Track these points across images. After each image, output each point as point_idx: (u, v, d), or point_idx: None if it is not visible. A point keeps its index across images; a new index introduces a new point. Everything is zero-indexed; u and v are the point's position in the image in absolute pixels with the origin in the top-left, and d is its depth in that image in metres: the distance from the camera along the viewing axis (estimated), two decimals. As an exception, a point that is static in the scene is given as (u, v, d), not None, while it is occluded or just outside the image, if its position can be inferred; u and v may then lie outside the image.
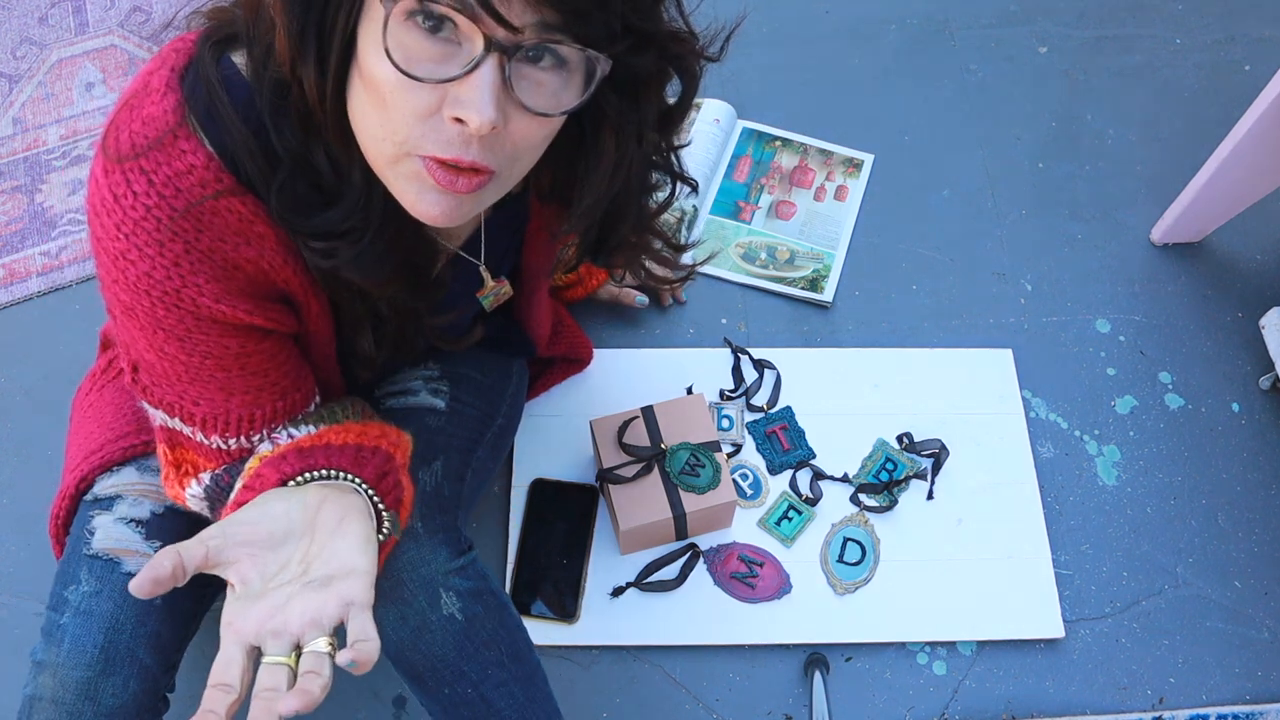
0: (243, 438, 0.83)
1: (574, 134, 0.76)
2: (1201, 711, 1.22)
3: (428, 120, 0.64)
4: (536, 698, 0.97)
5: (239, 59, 0.72)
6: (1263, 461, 1.38)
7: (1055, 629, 1.25)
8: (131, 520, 0.94)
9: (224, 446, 0.83)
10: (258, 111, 0.70)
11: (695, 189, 0.90)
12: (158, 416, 0.84)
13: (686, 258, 0.98)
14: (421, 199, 0.69)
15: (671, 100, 0.80)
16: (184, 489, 0.87)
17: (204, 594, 0.98)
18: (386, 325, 0.88)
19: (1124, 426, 1.41)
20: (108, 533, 0.93)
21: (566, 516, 1.28)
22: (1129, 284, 1.52)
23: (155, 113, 0.69)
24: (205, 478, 0.86)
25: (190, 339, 0.76)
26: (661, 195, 0.90)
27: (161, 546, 0.93)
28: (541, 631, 1.21)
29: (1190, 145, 1.63)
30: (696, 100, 1.63)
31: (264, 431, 0.83)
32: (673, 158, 0.86)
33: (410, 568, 0.90)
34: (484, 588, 0.95)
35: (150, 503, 0.95)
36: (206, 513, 0.89)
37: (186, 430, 0.83)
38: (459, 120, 0.63)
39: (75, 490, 0.97)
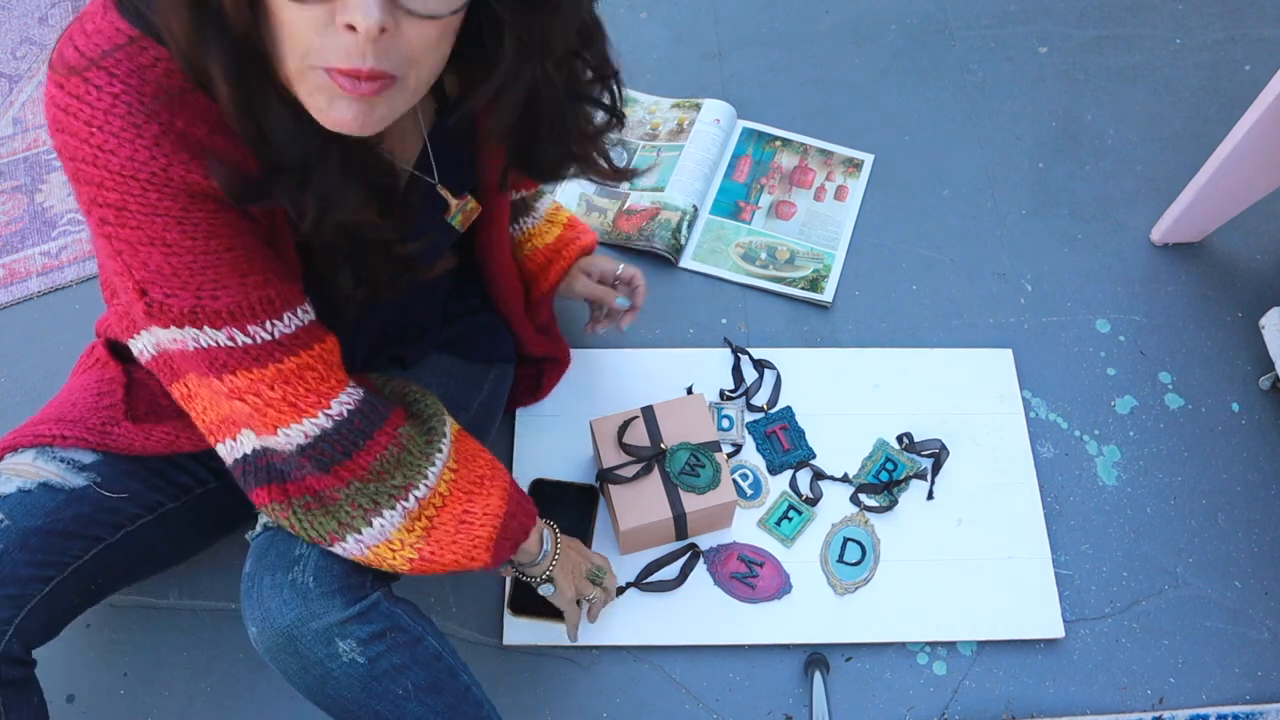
0: (276, 321, 0.82)
1: (478, 38, 0.77)
2: (1201, 711, 1.22)
3: (324, 31, 0.66)
4: None
5: None
6: (1263, 461, 1.38)
7: (1055, 629, 1.25)
8: None
9: (271, 336, 0.82)
10: None
11: (621, 120, 0.90)
12: (189, 339, 0.81)
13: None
14: (332, 106, 0.70)
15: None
16: (311, 414, 0.86)
17: (47, 561, 0.95)
18: (359, 258, 0.88)
19: (1124, 426, 1.41)
20: None
21: (566, 516, 1.28)
22: (1129, 284, 1.52)
23: (101, 25, 0.70)
24: (332, 411, 0.86)
25: (189, 219, 0.75)
26: (599, 117, 0.89)
27: (3, 519, 0.92)
28: (542, 631, 1.21)
29: (1190, 145, 1.63)
30: (695, 100, 1.64)
31: (285, 317, 0.83)
32: (607, 81, 0.87)
33: (300, 623, 0.90)
34: (390, 626, 0.94)
35: (20, 480, 0.95)
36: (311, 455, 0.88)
37: (221, 338, 0.81)
38: (351, 27, 0.65)
39: None
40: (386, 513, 0.91)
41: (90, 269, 1.48)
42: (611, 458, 1.22)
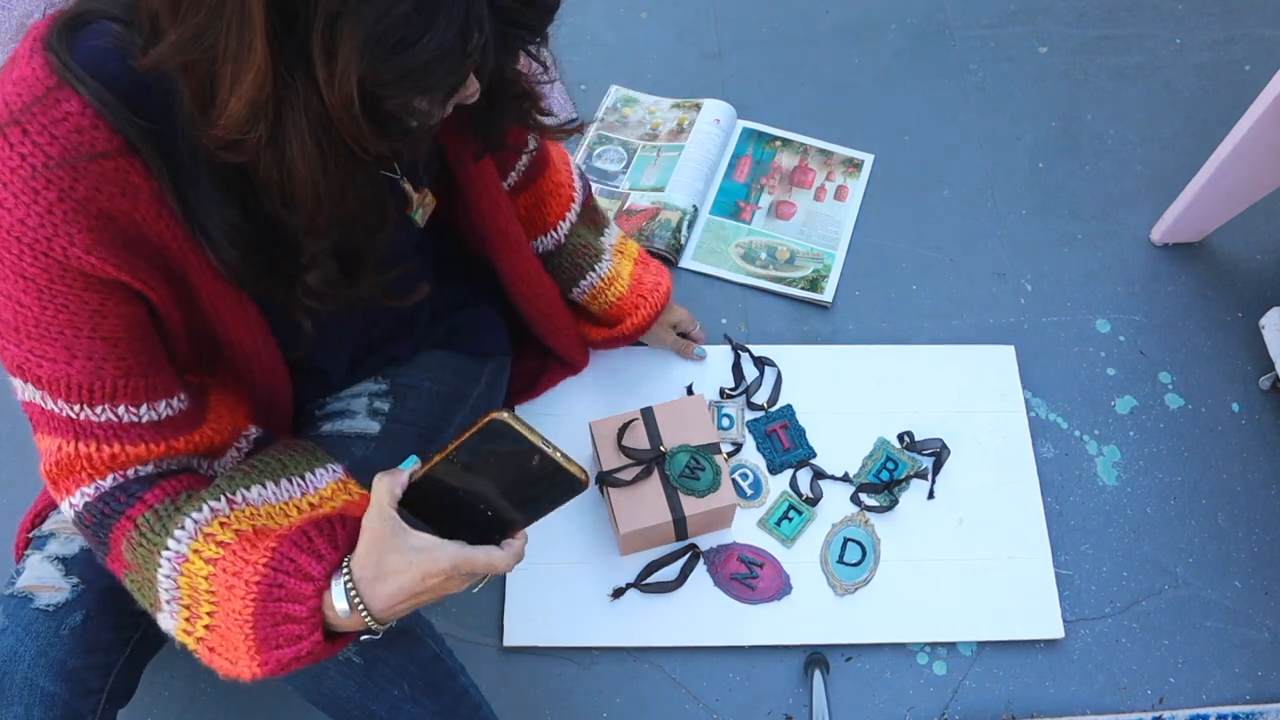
0: (87, 408, 0.80)
1: None
2: (1201, 711, 1.22)
3: None
4: None
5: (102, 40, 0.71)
6: (1263, 461, 1.38)
7: (1055, 629, 1.25)
8: (57, 558, 0.93)
9: (74, 415, 0.80)
10: (135, 77, 0.70)
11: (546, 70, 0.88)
12: (16, 386, 0.81)
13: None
14: None
15: None
16: (70, 493, 0.83)
17: (124, 623, 0.94)
18: (328, 291, 0.83)
19: (1124, 426, 1.41)
20: (33, 571, 0.92)
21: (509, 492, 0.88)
22: (1129, 284, 1.52)
23: (25, 72, 0.69)
24: (90, 490, 0.82)
25: (50, 290, 0.74)
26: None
27: (78, 583, 0.91)
28: (542, 632, 1.21)
29: (1190, 145, 1.63)
30: (695, 100, 1.64)
31: (106, 405, 0.80)
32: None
33: None
34: (390, 626, 0.90)
35: (81, 540, 0.94)
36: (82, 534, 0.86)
37: (38, 397, 0.81)
38: None
39: (30, 524, 0.98)
40: (159, 615, 0.84)
41: (90, 269, 1.48)
42: (611, 460, 1.22)
